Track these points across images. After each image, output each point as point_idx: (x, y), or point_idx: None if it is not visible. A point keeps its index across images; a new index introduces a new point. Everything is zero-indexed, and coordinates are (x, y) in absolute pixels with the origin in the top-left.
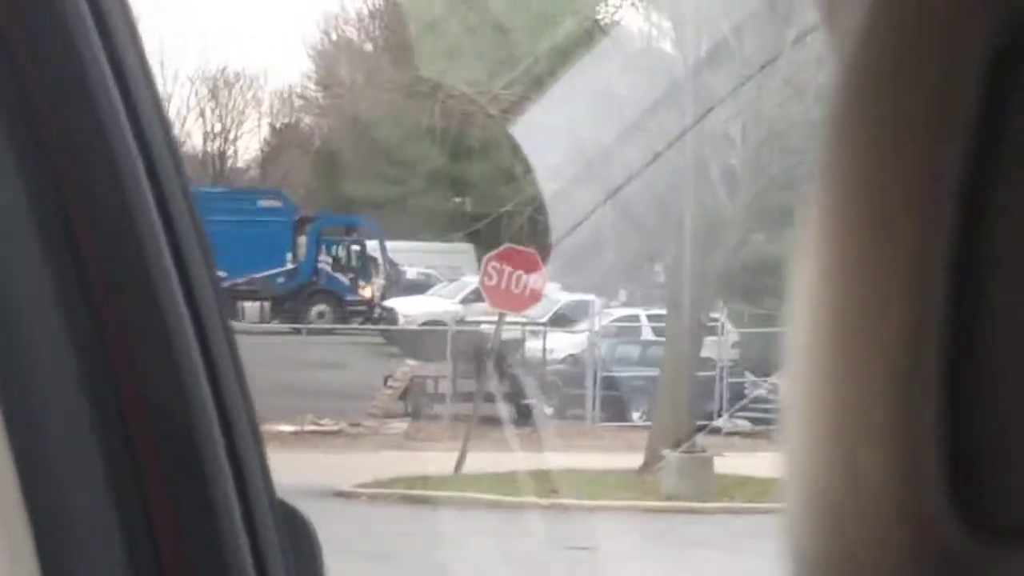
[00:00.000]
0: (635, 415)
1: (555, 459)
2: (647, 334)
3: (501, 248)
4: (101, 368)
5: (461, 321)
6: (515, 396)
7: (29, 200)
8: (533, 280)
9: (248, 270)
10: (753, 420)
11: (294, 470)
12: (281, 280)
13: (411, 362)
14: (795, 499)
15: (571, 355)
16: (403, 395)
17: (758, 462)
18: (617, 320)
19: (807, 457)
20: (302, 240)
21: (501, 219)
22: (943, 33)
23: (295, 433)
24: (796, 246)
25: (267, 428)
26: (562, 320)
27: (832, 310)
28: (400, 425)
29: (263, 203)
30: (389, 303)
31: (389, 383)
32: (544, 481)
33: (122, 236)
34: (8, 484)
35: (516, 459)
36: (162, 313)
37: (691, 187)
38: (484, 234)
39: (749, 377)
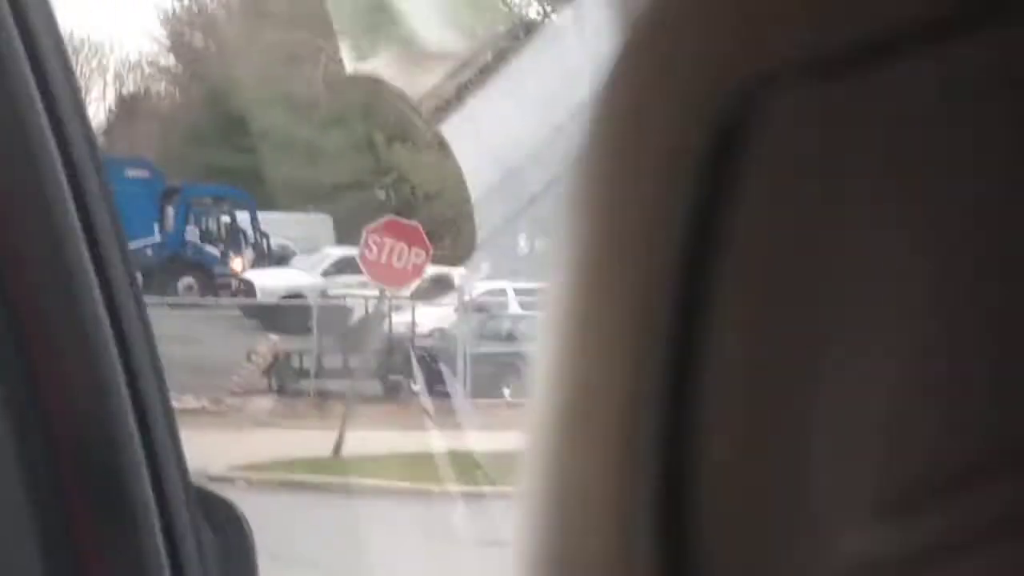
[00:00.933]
0: (506, 392)
1: (437, 439)
2: (515, 308)
3: (383, 220)
4: (18, 363)
5: (323, 294)
6: (383, 372)
7: None
8: (416, 254)
9: None
10: None
11: None
12: (149, 252)
13: (274, 336)
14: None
15: (438, 329)
16: (267, 371)
17: None
18: (483, 294)
19: (538, 537)
20: (170, 211)
21: (361, 189)
22: (665, 117)
23: None
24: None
25: None
26: (426, 294)
27: (562, 375)
28: (264, 402)
29: (130, 173)
30: (247, 275)
31: (252, 358)
32: (432, 465)
33: (38, 223)
34: None
35: (394, 439)
36: (78, 303)
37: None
38: (342, 205)
39: None
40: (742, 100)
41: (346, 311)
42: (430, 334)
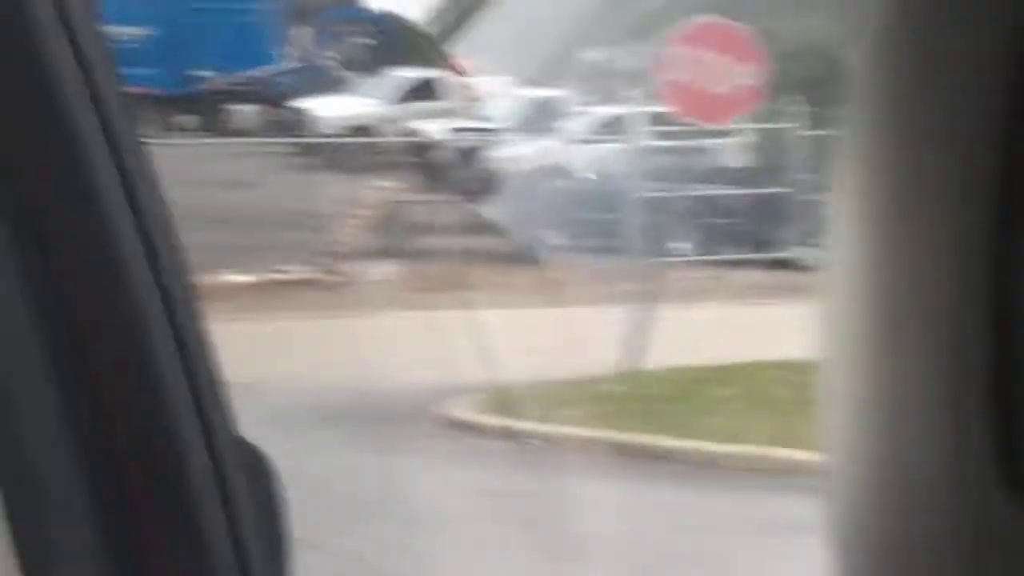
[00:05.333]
0: (683, 247)
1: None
2: (647, 139)
3: (693, 24)
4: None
5: (405, 129)
6: (520, 223)
7: None
8: (743, 72)
9: (238, 66)
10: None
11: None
12: (285, 79)
13: (385, 183)
14: (841, 471)
15: (557, 166)
16: (377, 226)
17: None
18: (602, 122)
19: (854, 430)
20: (306, 32)
21: None
22: (968, 26)
23: (254, 286)
24: (831, 218)
25: (214, 280)
26: (528, 124)
27: (873, 287)
28: (381, 269)
29: None
30: (301, 104)
31: (355, 211)
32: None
33: (88, 218)
34: None
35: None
36: (125, 275)
37: None
38: None
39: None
40: None
41: (441, 147)
42: (558, 172)
